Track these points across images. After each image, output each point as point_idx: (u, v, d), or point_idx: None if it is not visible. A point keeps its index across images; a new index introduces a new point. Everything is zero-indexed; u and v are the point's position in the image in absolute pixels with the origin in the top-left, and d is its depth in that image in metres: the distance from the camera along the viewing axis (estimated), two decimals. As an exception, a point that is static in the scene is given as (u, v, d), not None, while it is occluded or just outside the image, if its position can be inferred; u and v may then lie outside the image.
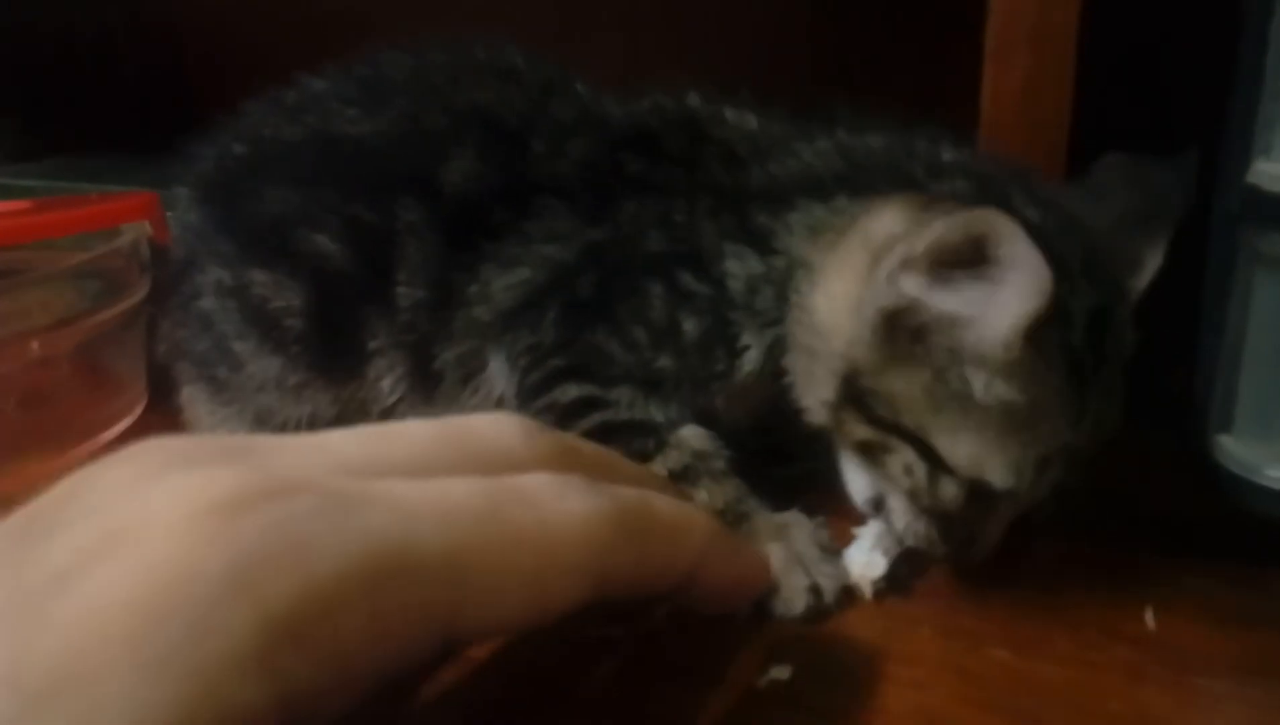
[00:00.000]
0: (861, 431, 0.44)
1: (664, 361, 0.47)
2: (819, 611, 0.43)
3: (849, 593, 0.45)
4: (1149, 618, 0.43)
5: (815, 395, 0.45)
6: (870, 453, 0.44)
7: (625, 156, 0.49)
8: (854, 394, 0.43)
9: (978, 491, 0.42)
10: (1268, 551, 0.46)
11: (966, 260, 0.39)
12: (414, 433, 0.29)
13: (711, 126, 0.51)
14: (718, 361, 0.47)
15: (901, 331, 0.42)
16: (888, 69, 0.80)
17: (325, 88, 0.55)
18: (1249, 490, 0.43)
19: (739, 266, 0.47)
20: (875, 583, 0.45)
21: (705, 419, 0.49)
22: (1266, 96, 0.40)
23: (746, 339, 0.47)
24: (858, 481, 0.46)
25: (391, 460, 0.28)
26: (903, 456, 0.43)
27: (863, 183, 0.46)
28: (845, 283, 0.44)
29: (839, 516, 0.48)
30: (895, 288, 0.41)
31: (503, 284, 0.49)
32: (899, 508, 0.44)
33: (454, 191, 0.50)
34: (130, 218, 0.62)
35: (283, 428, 0.53)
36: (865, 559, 0.45)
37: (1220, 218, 0.43)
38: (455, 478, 0.27)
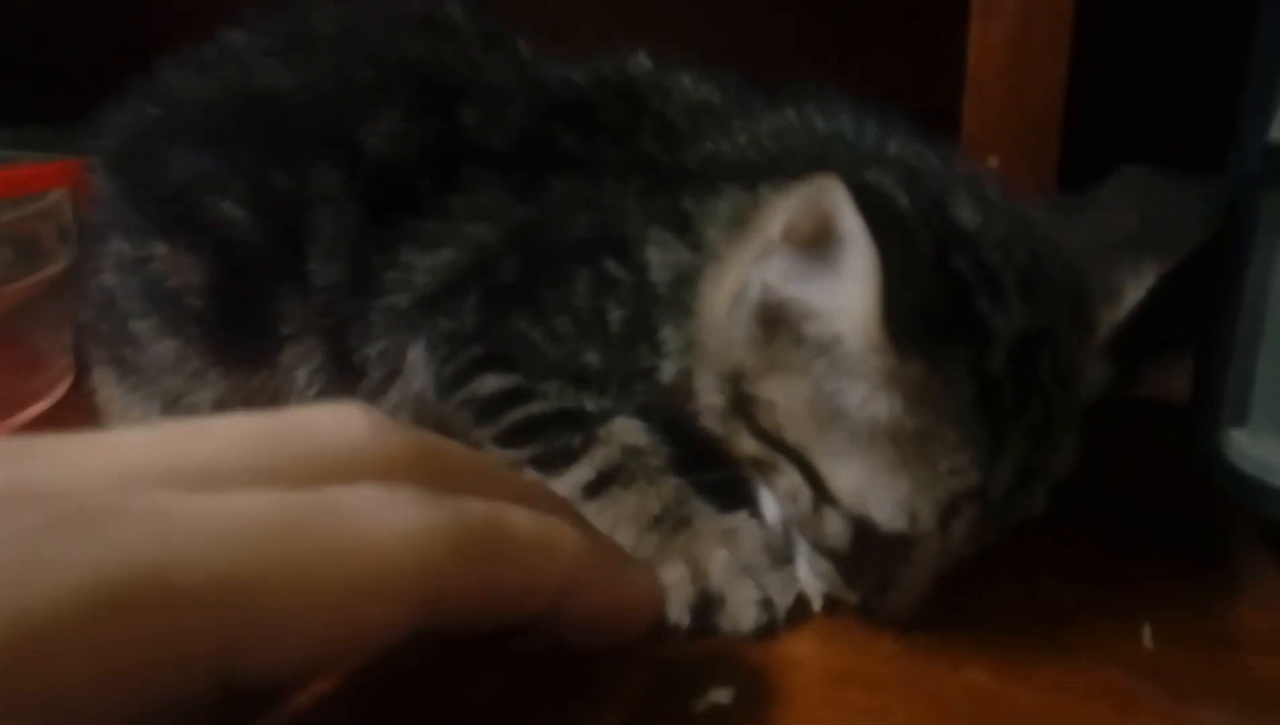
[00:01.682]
0: (749, 445, 0.38)
1: (590, 356, 0.43)
2: (769, 627, 0.38)
3: (804, 606, 0.40)
4: (1146, 637, 0.38)
5: (707, 400, 0.40)
6: (761, 471, 0.39)
7: (559, 129, 0.45)
8: (739, 401, 0.38)
9: (869, 533, 0.36)
10: (1276, 561, 0.41)
11: (816, 241, 0.33)
12: (227, 431, 0.25)
13: (653, 97, 0.46)
14: (642, 358, 0.43)
15: (781, 332, 0.36)
16: (873, 28, 0.73)
17: (245, 40, 0.51)
18: (1265, 493, 0.38)
19: (661, 255, 0.42)
20: (828, 596, 0.39)
21: (647, 412, 0.44)
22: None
23: (666, 334, 0.42)
24: (769, 503, 0.41)
25: (190, 464, 0.24)
26: (788, 479, 0.37)
27: (792, 170, 0.40)
28: (733, 273, 0.39)
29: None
30: (759, 278, 0.36)
31: (424, 266, 0.45)
32: (801, 548, 0.39)
33: (376, 156, 0.46)
34: (50, 184, 0.58)
35: (192, 412, 0.49)
36: (818, 569, 0.40)
37: (1238, 181, 0.38)
38: (254, 489, 0.23)
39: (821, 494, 0.37)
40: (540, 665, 0.36)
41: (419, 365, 0.46)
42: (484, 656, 0.37)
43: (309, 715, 0.33)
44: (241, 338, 0.48)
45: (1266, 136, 0.35)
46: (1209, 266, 0.40)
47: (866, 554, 0.37)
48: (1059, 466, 0.37)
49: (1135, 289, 0.37)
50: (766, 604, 0.39)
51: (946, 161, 0.42)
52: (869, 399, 0.34)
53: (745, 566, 0.40)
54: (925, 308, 0.33)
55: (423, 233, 0.45)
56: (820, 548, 0.38)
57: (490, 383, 0.43)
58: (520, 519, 0.28)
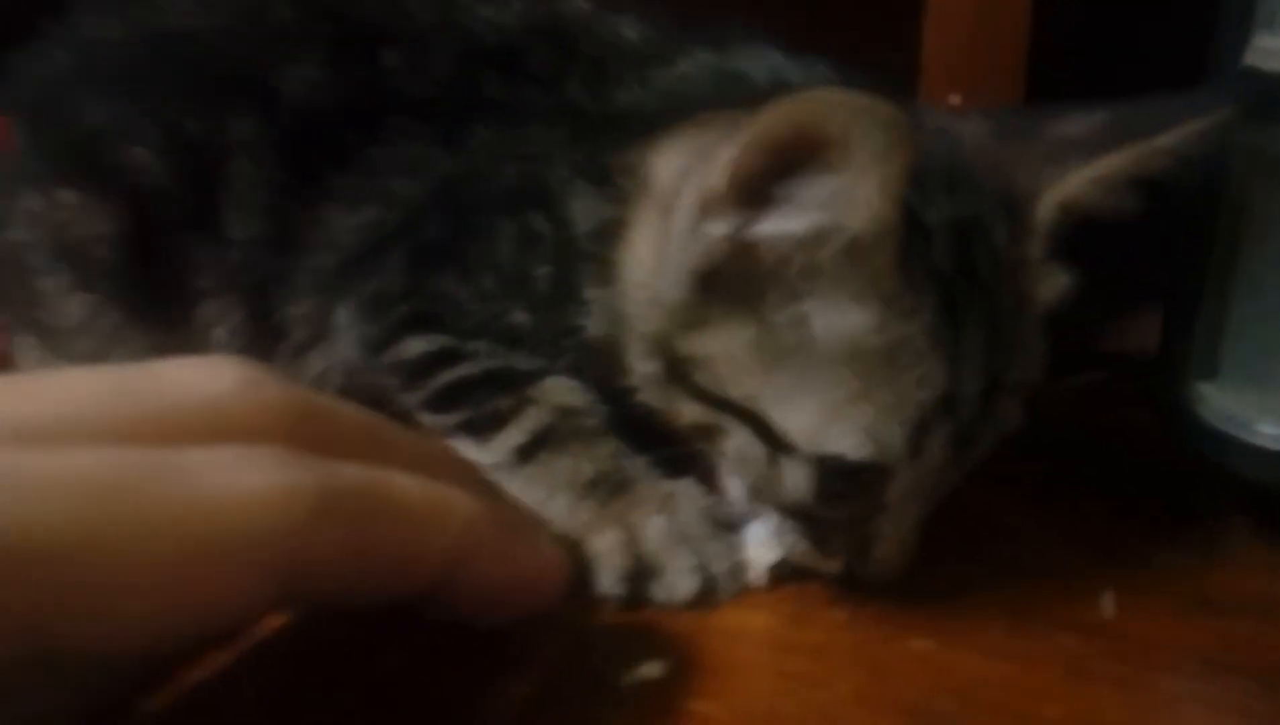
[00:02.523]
0: (690, 412, 0.36)
1: (518, 314, 0.41)
2: (708, 597, 0.37)
3: (745, 576, 0.38)
4: (1107, 603, 0.36)
5: (640, 370, 0.38)
6: (707, 439, 0.37)
7: (485, 75, 0.42)
8: (673, 365, 0.36)
9: (836, 479, 0.34)
10: (1255, 524, 0.39)
11: (791, 166, 0.31)
12: (81, 385, 0.23)
13: (584, 41, 0.43)
14: (570, 316, 0.40)
15: (717, 283, 0.34)
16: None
17: None
18: (1235, 450, 0.36)
19: (584, 208, 0.39)
20: (774, 567, 0.37)
21: (582, 371, 0.41)
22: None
23: (590, 293, 0.40)
24: (732, 484, 0.38)
25: (35, 419, 0.22)
26: (737, 439, 0.35)
27: (708, 111, 0.37)
28: (643, 238, 0.37)
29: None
30: (701, 237, 0.33)
31: (349, 225, 0.43)
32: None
33: (295, 104, 0.43)
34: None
35: None
36: (765, 538, 0.38)
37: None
38: (98, 445, 0.21)
39: (776, 444, 0.34)
40: (450, 636, 0.34)
41: (345, 328, 0.44)
42: (392, 628, 0.35)
43: (207, 689, 0.32)
44: (156, 293, 0.45)
45: (1241, 61, 0.32)
46: (1181, 212, 0.37)
47: (837, 506, 0.35)
48: (1022, 372, 0.35)
49: (1079, 181, 0.35)
50: (704, 573, 0.37)
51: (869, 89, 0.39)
52: (842, 314, 0.32)
53: (683, 534, 0.37)
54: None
55: (346, 188, 0.43)
56: (785, 509, 0.36)
57: (416, 344, 0.41)
58: (405, 484, 0.26)
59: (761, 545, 0.38)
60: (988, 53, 0.40)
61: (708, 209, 0.33)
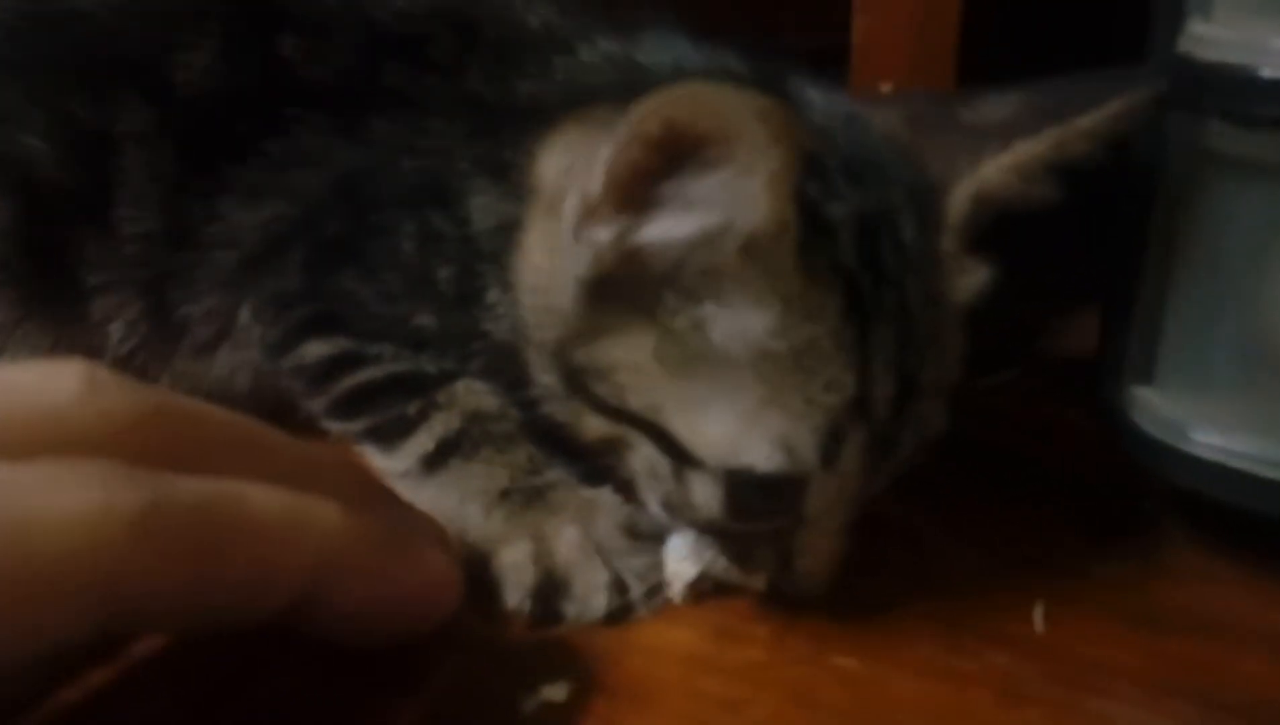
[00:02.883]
0: (595, 426, 0.34)
1: (423, 317, 0.39)
2: (622, 612, 0.34)
3: (665, 591, 0.35)
4: (1038, 618, 0.34)
5: (541, 381, 0.36)
6: (612, 454, 0.35)
7: (385, 63, 0.40)
8: (572, 376, 0.34)
9: (748, 492, 0.32)
10: (1190, 533, 0.37)
11: (671, 166, 0.29)
12: None
13: (487, 26, 0.41)
14: (475, 320, 0.38)
15: (611, 292, 0.32)
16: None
17: None
18: (1170, 458, 0.34)
19: (483, 206, 0.38)
20: (694, 582, 0.35)
21: (494, 373, 0.39)
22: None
23: (494, 295, 0.38)
24: (649, 496, 0.36)
25: None
26: (642, 454, 0.33)
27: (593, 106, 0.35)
28: (536, 242, 0.35)
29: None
30: (587, 247, 0.32)
31: (250, 222, 0.41)
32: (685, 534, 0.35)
33: (190, 93, 0.41)
34: None
35: None
36: (685, 552, 0.36)
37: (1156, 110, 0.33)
38: None
39: (682, 458, 0.32)
40: (342, 656, 0.31)
41: (248, 328, 0.42)
42: (279, 647, 0.32)
43: (83, 712, 0.29)
44: (50, 287, 0.43)
45: (1174, 47, 0.31)
46: (1119, 206, 0.36)
47: (753, 521, 0.33)
48: (938, 371, 0.33)
49: (994, 170, 0.33)
50: (619, 587, 0.35)
51: (774, 78, 0.37)
52: (741, 318, 0.31)
53: (598, 546, 0.35)
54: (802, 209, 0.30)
55: (244, 182, 0.41)
56: (698, 525, 0.34)
57: (317, 347, 0.39)
58: (256, 498, 0.24)
59: (681, 559, 0.36)
60: (919, 40, 0.38)
61: (589, 214, 0.31)
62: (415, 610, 0.28)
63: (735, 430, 0.31)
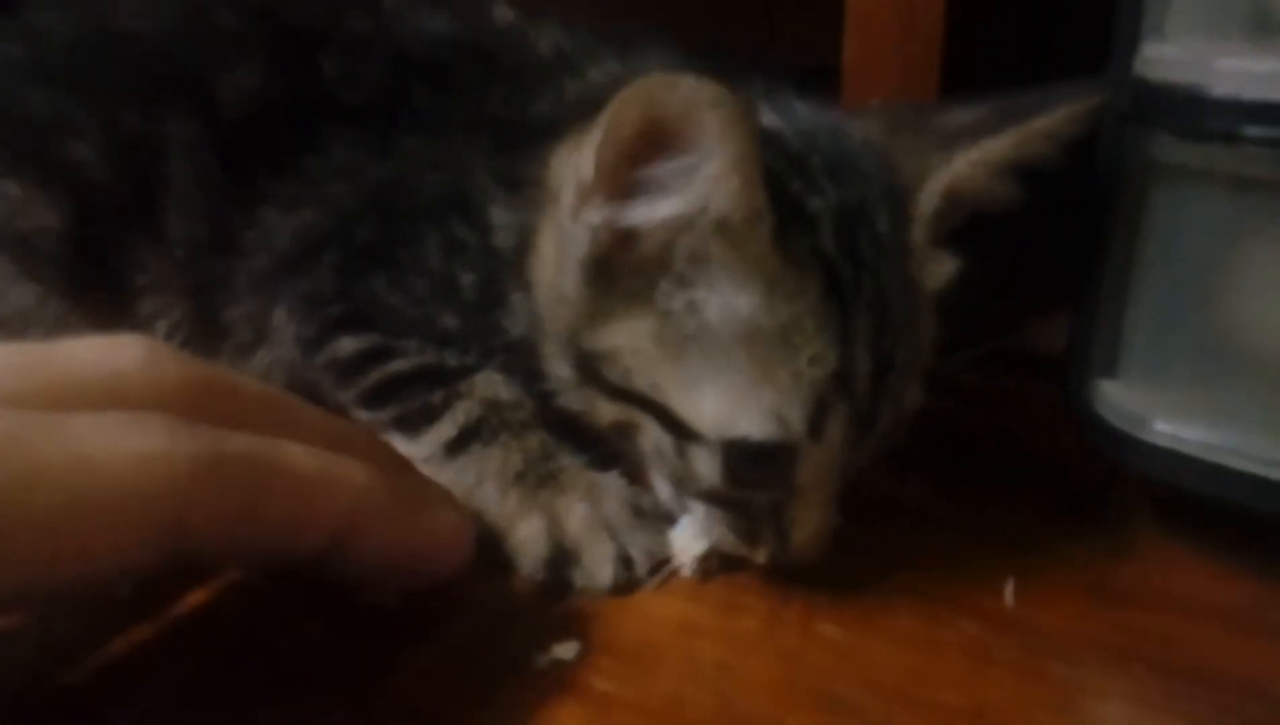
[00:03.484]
0: (607, 411, 0.37)
1: (447, 319, 0.42)
2: (628, 584, 0.37)
3: (670, 566, 0.38)
4: (1008, 592, 0.37)
5: (557, 373, 0.39)
6: (624, 436, 0.38)
7: (415, 87, 0.44)
8: (584, 362, 0.37)
9: (744, 464, 0.35)
10: (1156, 518, 0.40)
11: (650, 151, 0.32)
12: None
13: (506, 56, 0.45)
14: (496, 320, 0.41)
15: (612, 277, 0.35)
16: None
17: None
18: (1133, 448, 0.37)
19: (505, 216, 0.41)
20: (700, 559, 0.38)
21: (512, 368, 0.42)
22: (1156, -37, 0.32)
23: (515, 298, 0.41)
24: (659, 479, 0.40)
25: None
26: (649, 433, 0.36)
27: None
28: (547, 238, 0.38)
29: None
30: (583, 227, 0.35)
31: (285, 228, 0.44)
32: (695, 506, 0.38)
33: (234, 111, 0.45)
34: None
35: None
36: (693, 532, 0.39)
37: (1106, 120, 0.36)
38: None
39: (683, 433, 0.35)
40: (365, 617, 0.35)
41: (282, 327, 0.45)
42: (308, 605, 0.36)
43: (126, 661, 0.33)
44: (99, 286, 0.46)
45: (1131, 67, 0.33)
46: (1086, 213, 0.38)
47: (750, 490, 0.36)
48: (912, 352, 0.36)
49: (962, 165, 0.36)
50: (625, 561, 0.38)
51: (762, 91, 0.40)
52: (730, 298, 0.33)
53: (606, 522, 0.39)
54: (774, 196, 0.33)
55: (282, 193, 0.44)
56: (704, 496, 0.37)
57: (349, 343, 0.42)
58: (294, 453, 0.27)
59: (689, 539, 0.39)
60: (905, 60, 0.41)
61: (583, 199, 0.34)
62: (431, 558, 0.32)
63: (730, 404, 0.34)
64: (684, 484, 0.37)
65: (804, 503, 0.36)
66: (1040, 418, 0.44)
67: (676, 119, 0.31)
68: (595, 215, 0.34)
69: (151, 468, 0.24)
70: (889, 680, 0.34)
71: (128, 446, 0.24)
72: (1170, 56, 0.33)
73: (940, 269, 0.36)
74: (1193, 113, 0.32)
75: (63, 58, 0.47)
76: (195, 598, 0.36)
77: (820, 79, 0.42)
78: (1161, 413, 0.36)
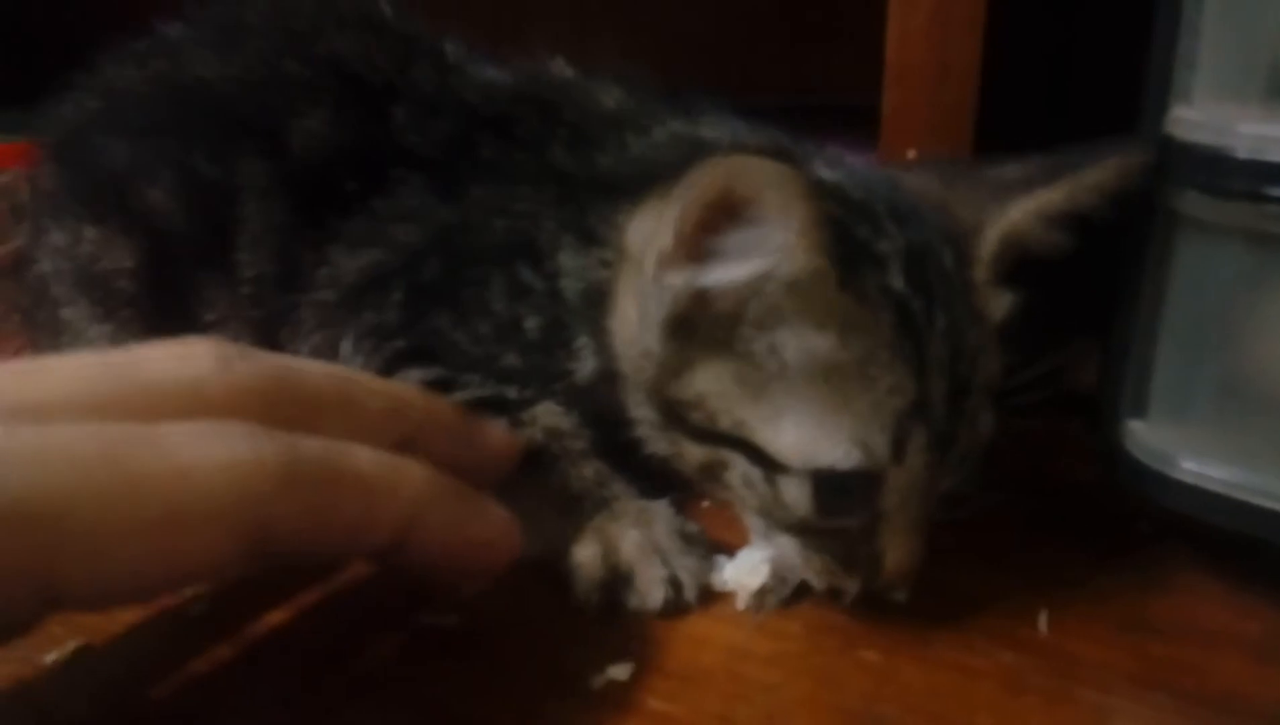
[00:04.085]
0: (694, 453, 0.40)
1: (509, 359, 0.44)
2: (677, 606, 0.40)
3: (718, 592, 0.41)
4: (1042, 622, 0.39)
5: (641, 416, 0.42)
6: (713, 476, 0.40)
7: (480, 139, 0.46)
8: (669, 409, 0.39)
9: (832, 493, 0.37)
10: (1183, 551, 0.42)
11: (724, 222, 0.35)
12: (72, 368, 0.27)
13: (567, 108, 0.47)
14: (559, 361, 0.44)
15: (691, 330, 0.38)
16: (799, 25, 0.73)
17: (180, 32, 0.52)
18: (1160, 484, 0.39)
19: (573, 262, 0.43)
20: (756, 594, 0.40)
21: (570, 401, 0.45)
22: (1184, 33, 0.35)
23: (582, 341, 0.43)
24: (751, 519, 0.41)
25: (29, 398, 0.25)
26: (738, 469, 0.38)
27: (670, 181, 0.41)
28: (628, 300, 0.41)
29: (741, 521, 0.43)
30: (665, 290, 0.37)
31: (351, 266, 0.47)
32: (784, 542, 0.40)
33: (304, 156, 0.47)
34: (5, 164, 0.59)
35: None
36: (751, 566, 0.41)
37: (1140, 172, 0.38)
38: (82, 420, 0.25)
39: (771, 466, 0.37)
40: (430, 634, 0.38)
41: (347, 360, 0.47)
42: (377, 625, 0.39)
43: (210, 679, 0.36)
44: (170, 324, 0.48)
45: (1161, 128, 0.36)
46: (1118, 258, 0.40)
47: (838, 517, 0.37)
48: (986, 377, 0.38)
49: (1018, 214, 0.38)
50: (675, 584, 0.40)
51: (813, 148, 0.43)
52: (805, 341, 0.36)
53: (656, 547, 0.41)
54: (840, 243, 0.35)
55: (351, 233, 0.47)
56: (794, 528, 0.39)
57: (415, 374, 0.44)
58: (361, 456, 0.30)
59: (748, 572, 0.41)
60: (940, 113, 0.43)
61: (664, 265, 0.37)
62: (485, 551, 0.34)
63: (814, 435, 0.36)
64: (774, 515, 0.39)
65: (891, 528, 0.37)
66: (1071, 455, 0.46)
67: (748, 196, 0.34)
68: (676, 279, 0.37)
69: (239, 476, 0.26)
70: (926, 703, 0.35)
71: (216, 456, 0.26)
72: (1198, 119, 0.35)
73: (1000, 302, 0.39)
74: (1218, 172, 0.34)
75: (137, 107, 0.50)
76: (272, 618, 0.39)
77: (853, 119, 0.44)
78: (1187, 451, 0.38)
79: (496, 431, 0.39)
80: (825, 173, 0.39)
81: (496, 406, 0.44)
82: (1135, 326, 0.39)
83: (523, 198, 0.45)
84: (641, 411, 0.41)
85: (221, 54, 0.50)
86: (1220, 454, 0.37)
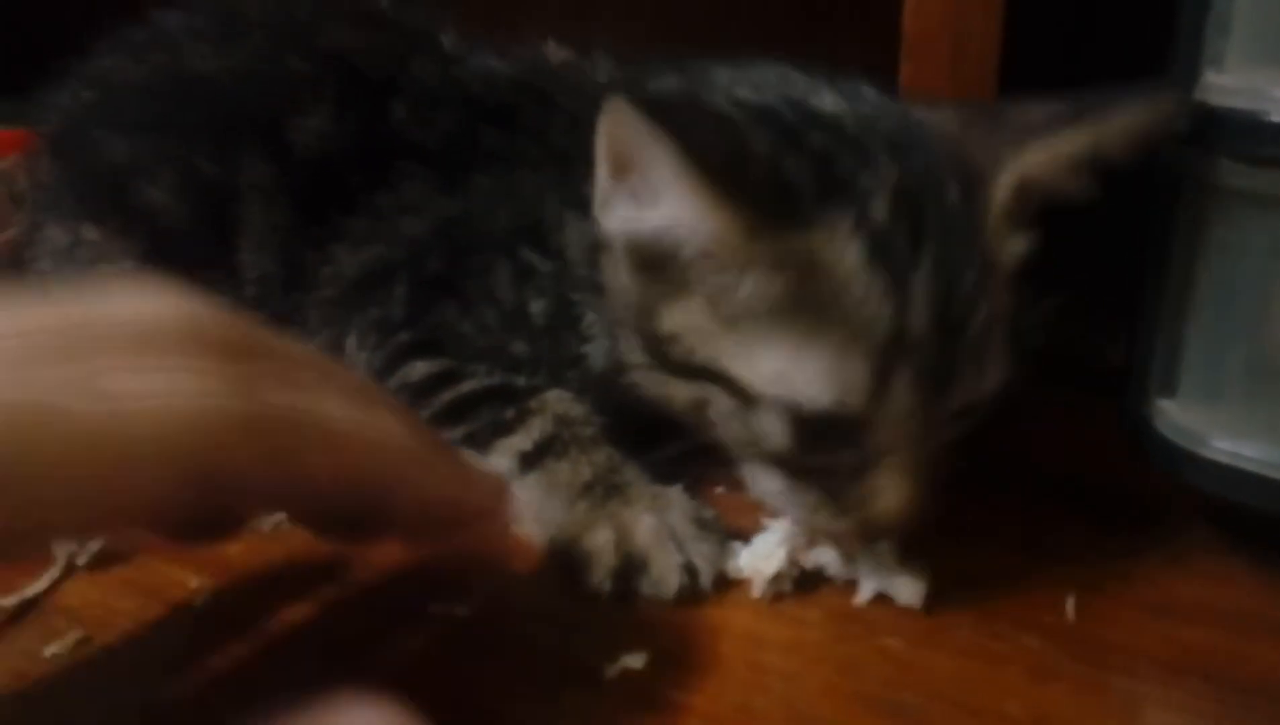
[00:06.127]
0: (678, 390, 0.39)
1: (518, 346, 0.44)
2: (692, 593, 0.39)
3: (734, 578, 0.40)
4: (1069, 607, 0.38)
5: (633, 361, 0.41)
6: (698, 414, 0.39)
7: (483, 128, 0.46)
8: (653, 348, 0.38)
9: (814, 429, 0.35)
10: (1212, 533, 0.40)
11: (626, 170, 0.35)
12: (30, 317, 0.26)
13: (562, 91, 0.47)
14: (570, 345, 0.43)
15: (657, 268, 0.37)
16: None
17: (177, 22, 0.51)
18: (1191, 464, 0.37)
19: (577, 235, 0.43)
20: (771, 579, 0.39)
21: (580, 388, 0.44)
22: (1217, -5, 0.33)
23: (591, 318, 0.43)
24: (758, 476, 0.40)
25: None
26: (718, 403, 0.38)
27: None
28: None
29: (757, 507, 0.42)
30: (611, 227, 0.37)
31: (356, 260, 0.46)
32: (765, 476, 0.39)
33: (306, 153, 0.46)
34: (3, 151, 0.58)
35: None
36: (766, 552, 0.40)
37: (1165, 143, 0.37)
38: (33, 365, 0.24)
39: (747, 399, 0.36)
40: (443, 624, 0.37)
41: (354, 355, 0.47)
42: (396, 616, 0.38)
43: (228, 676, 0.35)
44: None
45: (1191, 95, 0.34)
46: (1145, 233, 0.39)
47: (822, 454, 0.36)
48: (992, 322, 0.36)
49: (1035, 157, 0.36)
50: (690, 570, 0.39)
51: (831, 82, 0.41)
52: (758, 284, 0.35)
53: (671, 533, 0.40)
54: (782, 183, 0.35)
55: (354, 229, 0.46)
56: (779, 464, 0.38)
57: (421, 367, 0.44)
58: (335, 408, 0.28)
59: (763, 557, 0.40)
60: (959, 87, 0.42)
61: (600, 210, 0.37)
62: (476, 505, 0.33)
63: (784, 368, 0.35)
64: (753, 449, 0.38)
65: (885, 469, 0.36)
66: (1096, 433, 0.45)
67: (625, 148, 0.34)
68: (611, 223, 0.37)
69: (191, 416, 0.25)
70: (951, 691, 0.34)
71: (169, 395, 0.25)
72: (1230, 84, 0.33)
73: (1014, 245, 0.37)
74: (1250, 138, 0.33)
75: (135, 101, 0.49)
76: (285, 612, 0.38)
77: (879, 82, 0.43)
78: (1218, 430, 0.37)
79: (483, 474, 0.37)
80: (827, 100, 0.38)
81: (505, 395, 0.43)
82: (1164, 302, 0.37)
83: (525, 183, 0.44)
84: (634, 356, 0.41)
85: (221, 48, 0.49)
86: (1253, 433, 0.36)
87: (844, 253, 0.34)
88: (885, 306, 0.34)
